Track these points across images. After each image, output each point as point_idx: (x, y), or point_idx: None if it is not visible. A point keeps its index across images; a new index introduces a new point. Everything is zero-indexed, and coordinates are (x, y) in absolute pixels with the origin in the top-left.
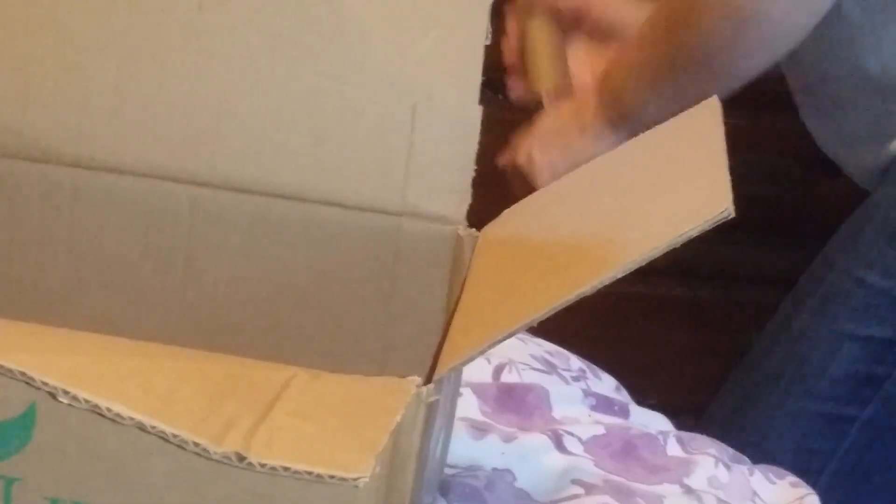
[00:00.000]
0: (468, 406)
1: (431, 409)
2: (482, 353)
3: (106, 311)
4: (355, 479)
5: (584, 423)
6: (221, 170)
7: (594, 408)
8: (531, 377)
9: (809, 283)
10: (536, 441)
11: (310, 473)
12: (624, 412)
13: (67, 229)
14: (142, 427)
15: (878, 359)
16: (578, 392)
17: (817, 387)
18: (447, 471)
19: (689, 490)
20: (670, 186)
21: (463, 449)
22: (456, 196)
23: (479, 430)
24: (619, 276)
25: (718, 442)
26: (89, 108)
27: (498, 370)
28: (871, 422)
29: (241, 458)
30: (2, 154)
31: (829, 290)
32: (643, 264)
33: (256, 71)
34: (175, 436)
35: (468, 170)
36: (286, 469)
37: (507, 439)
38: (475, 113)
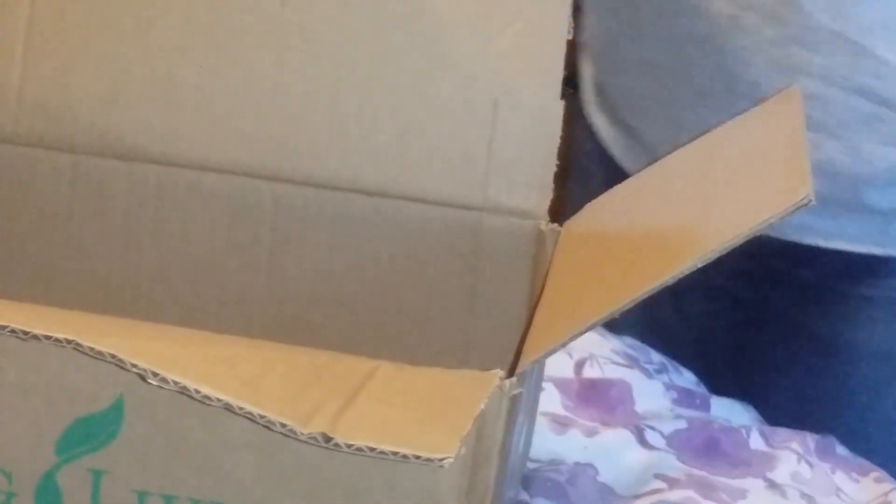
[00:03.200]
0: (550, 400)
1: (514, 402)
2: (564, 345)
3: (191, 307)
4: (441, 460)
5: (666, 417)
6: (304, 166)
7: (676, 401)
8: (613, 371)
9: None
10: (618, 436)
11: (395, 454)
12: (705, 405)
13: (153, 226)
14: (229, 408)
15: None
16: (660, 386)
17: None
18: (529, 465)
19: (772, 484)
20: (750, 175)
21: (545, 443)
22: (537, 191)
23: (562, 424)
24: (700, 265)
25: (802, 433)
26: (173, 106)
27: (579, 365)
28: None
29: (328, 439)
30: (88, 152)
31: None
32: (723, 253)
33: (338, 67)
34: (262, 416)
35: (550, 165)
36: (372, 450)
37: (590, 434)
38: (557, 108)
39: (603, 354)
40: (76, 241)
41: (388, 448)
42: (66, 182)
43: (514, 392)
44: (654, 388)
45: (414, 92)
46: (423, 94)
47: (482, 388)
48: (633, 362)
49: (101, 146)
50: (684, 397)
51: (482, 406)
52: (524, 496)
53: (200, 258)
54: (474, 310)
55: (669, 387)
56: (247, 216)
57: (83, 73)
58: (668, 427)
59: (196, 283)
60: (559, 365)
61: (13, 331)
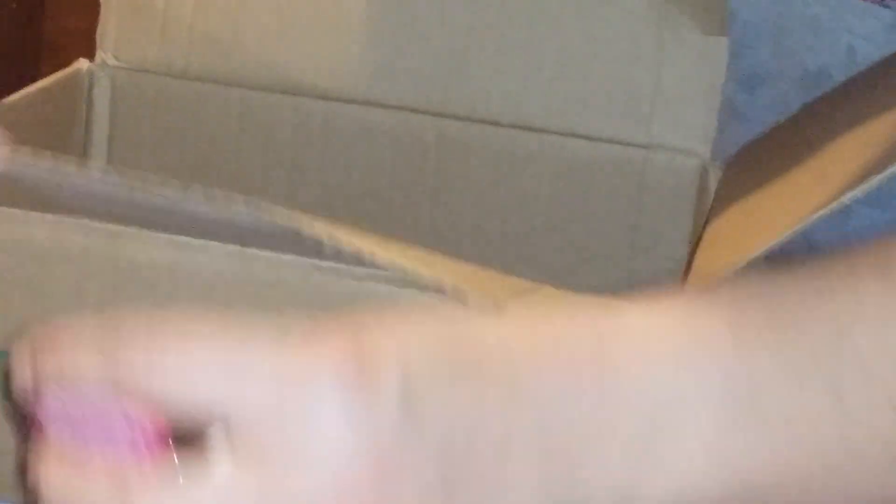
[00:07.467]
0: None
1: None
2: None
3: None
4: None
5: None
6: (468, 102)
7: None
8: None
9: None
10: None
11: None
12: None
13: (318, 160)
14: None
15: None
16: None
17: None
18: None
19: None
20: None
21: None
22: (701, 129)
23: None
24: (861, 194)
25: None
26: (341, 43)
27: None
28: None
29: None
30: (256, 87)
31: None
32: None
33: (502, 4)
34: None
35: (714, 103)
36: None
37: None
38: (722, 45)
39: None
40: (243, 173)
41: None
42: (234, 116)
43: None
44: None
45: (578, 28)
46: (587, 30)
47: None
48: None
49: (268, 81)
50: None
51: None
52: None
53: (364, 193)
54: (637, 246)
55: None
56: (411, 152)
57: (252, 9)
58: None
59: (360, 218)
60: None
61: None
